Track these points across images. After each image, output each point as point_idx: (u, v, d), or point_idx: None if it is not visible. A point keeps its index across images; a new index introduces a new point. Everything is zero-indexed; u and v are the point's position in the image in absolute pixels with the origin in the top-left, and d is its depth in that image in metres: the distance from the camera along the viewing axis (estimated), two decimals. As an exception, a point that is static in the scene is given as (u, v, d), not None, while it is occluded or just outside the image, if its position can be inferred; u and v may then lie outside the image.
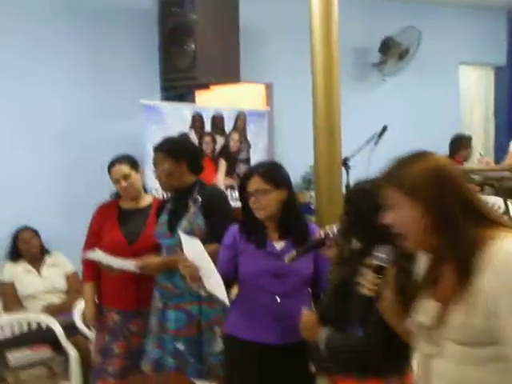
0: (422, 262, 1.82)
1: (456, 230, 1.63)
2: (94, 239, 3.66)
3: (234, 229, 2.93)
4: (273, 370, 2.77)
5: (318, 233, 2.52)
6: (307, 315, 2.41)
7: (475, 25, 7.82)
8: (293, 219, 2.84)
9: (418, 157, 1.72)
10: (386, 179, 1.74)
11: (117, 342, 3.56)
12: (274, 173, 2.83)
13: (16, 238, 4.84)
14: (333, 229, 2.47)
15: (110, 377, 3.53)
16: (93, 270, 3.62)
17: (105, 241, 3.60)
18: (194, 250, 2.73)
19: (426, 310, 1.73)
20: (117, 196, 3.75)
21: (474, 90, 8.35)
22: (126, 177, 3.60)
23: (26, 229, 4.88)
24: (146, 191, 3.83)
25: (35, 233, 4.88)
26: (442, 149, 6.84)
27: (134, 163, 3.66)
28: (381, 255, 1.85)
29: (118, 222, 3.66)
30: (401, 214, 1.70)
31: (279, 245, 2.82)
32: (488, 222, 1.65)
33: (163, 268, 3.29)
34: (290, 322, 2.71)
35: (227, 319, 2.98)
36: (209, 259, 2.68)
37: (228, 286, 2.83)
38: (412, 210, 1.67)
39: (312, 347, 2.39)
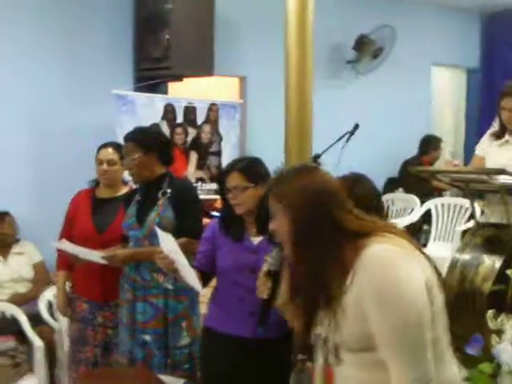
0: None
1: (317, 244, 1.72)
2: (68, 228, 3.66)
3: (214, 222, 2.95)
4: (248, 363, 2.78)
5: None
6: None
7: (450, 26, 7.89)
8: (270, 215, 2.85)
9: (300, 172, 1.84)
10: (270, 190, 1.85)
11: (87, 332, 3.56)
12: (253, 169, 2.83)
13: None
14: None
15: (83, 364, 3.54)
16: (66, 259, 3.61)
17: (76, 229, 3.60)
18: (167, 243, 2.74)
19: (321, 321, 1.79)
20: (95, 184, 3.73)
21: (446, 91, 8.43)
22: (110, 162, 3.59)
23: (5, 213, 4.82)
24: (125, 183, 3.81)
25: (11, 218, 4.83)
26: (411, 148, 6.92)
27: (121, 155, 3.63)
28: (270, 260, 1.94)
29: (91, 210, 3.65)
30: (279, 224, 1.81)
31: (256, 240, 2.83)
32: (363, 234, 1.72)
33: (130, 260, 3.28)
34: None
35: (206, 312, 3.00)
36: (181, 252, 2.69)
37: (207, 278, 2.86)
38: (286, 223, 1.77)
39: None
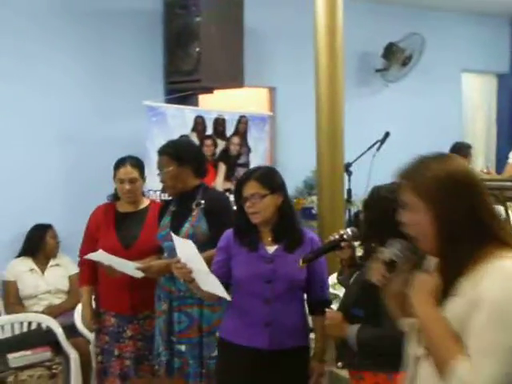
0: (432, 263, 1.80)
1: (457, 242, 1.61)
2: (90, 242, 3.64)
3: (228, 232, 2.94)
4: (263, 375, 2.77)
5: (334, 235, 2.59)
6: (332, 313, 2.53)
7: (478, 32, 7.83)
8: (287, 224, 2.85)
9: (440, 159, 1.69)
10: (404, 178, 1.71)
11: (116, 345, 3.57)
12: (270, 177, 2.84)
13: (35, 235, 4.84)
14: (347, 231, 2.55)
15: (113, 377, 3.55)
16: (89, 274, 3.62)
17: (100, 245, 3.55)
18: (187, 252, 2.74)
19: None
20: (114, 198, 3.73)
21: (477, 97, 8.36)
22: (132, 180, 3.58)
23: (48, 226, 4.88)
24: (143, 195, 3.82)
25: (54, 231, 4.89)
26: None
27: (142, 169, 3.64)
28: (394, 250, 1.85)
29: (114, 225, 3.64)
30: (413, 216, 1.68)
31: (272, 249, 2.82)
32: (494, 239, 1.62)
33: (165, 271, 3.28)
34: (281, 327, 2.73)
35: (222, 322, 3.00)
36: (202, 261, 2.69)
37: (225, 288, 2.83)
38: (424, 214, 1.65)
39: (339, 345, 2.51)
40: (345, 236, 2.54)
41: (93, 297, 3.71)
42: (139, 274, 3.32)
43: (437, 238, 1.64)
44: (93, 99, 5.49)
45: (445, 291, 1.63)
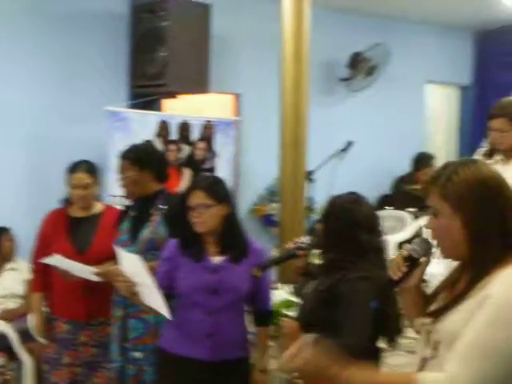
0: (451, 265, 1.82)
1: (485, 247, 1.63)
2: (43, 248, 3.59)
3: (172, 242, 2.92)
4: None
5: (290, 245, 2.62)
6: (289, 323, 2.50)
7: (443, 44, 7.94)
8: (232, 235, 2.85)
9: (468, 164, 1.69)
10: (432, 184, 1.71)
11: (66, 352, 3.52)
12: (216, 188, 2.84)
13: None
14: (303, 240, 2.60)
15: None
16: (42, 280, 3.58)
17: (53, 250, 3.49)
18: (132, 265, 2.72)
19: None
20: (66, 202, 3.68)
21: (440, 108, 8.47)
22: (85, 186, 3.55)
23: (4, 229, 4.82)
24: (97, 200, 3.77)
25: (11, 234, 4.81)
26: (405, 165, 6.94)
27: (95, 173, 3.61)
28: (415, 246, 1.85)
29: (67, 230, 3.60)
30: (441, 222, 1.69)
31: (217, 260, 2.82)
32: None
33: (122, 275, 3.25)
34: (223, 339, 2.73)
35: (163, 333, 2.97)
36: (148, 275, 2.67)
37: (167, 299, 2.79)
38: (452, 220, 1.65)
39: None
40: (301, 245, 2.58)
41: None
42: (96, 278, 3.29)
43: (465, 243, 1.65)
44: (57, 101, 5.44)
45: (462, 295, 1.64)
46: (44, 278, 3.53)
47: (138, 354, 3.22)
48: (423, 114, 8.03)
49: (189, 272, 2.80)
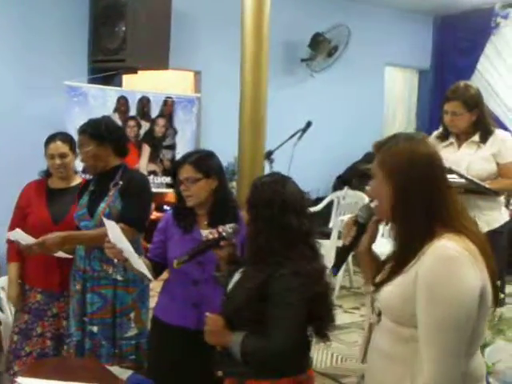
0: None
1: (408, 219, 1.75)
2: (20, 218, 3.60)
3: (168, 213, 2.98)
4: (190, 354, 2.81)
5: (212, 233, 2.53)
6: (213, 319, 2.38)
7: (403, 28, 8.03)
8: (222, 208, 2.88)
9: (410, 138, 1.81)
10: (375, 150, 1.83)
11: (40, 323, 3.53)
12: (204, 162, 2.86)
13: None
14: (227, 229, 2.50)
15: (28, 357, 3.49)
16: (17, 250, 3.56)
17: (31, 219, 3.55)
18: (114, 233, 2.75)
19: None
20: (46, 174, 3.70)
21: (399, 91, 8.58)
22: (62, 155, 3.56)
23: None
24: (75, 172, 3.79)
25: None
26: (363, 147, 7.03)
27: (72, 144, 3.61)
28: (359, 212, 1.97)
29: (46, 200, 3.61)
30: (376, 186, 1.82)
31: (206, 232, 2.85)
32: (444, 221, 1.74)
33: (61, 245, 3.20)
34: (208, 309, 2.75)
35: (157, 301, 3.02)
36: (127, 241, 2.71)
37: (160, 269, 2.89)
38: (385, 187, 1.78)
39: (219, 352, 2.39)
40: (224, 234, 2.50)
41: None
42: (38, 251, 3.26)
43: (393, 209, 1.78)
44: (17, 76, 5.38)
45: (398, 265, 1.77)
46: (19, 248, 3.51)
47: (95, 328, 3.23)
48: (382, 96, 8.12)
49: (177, 243, 2.84)
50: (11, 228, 3.57)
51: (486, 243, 1.76)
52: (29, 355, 3.51)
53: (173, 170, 2.97)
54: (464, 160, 3.84)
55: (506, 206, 6.97)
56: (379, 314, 1.82)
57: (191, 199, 2.82)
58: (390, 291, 1.76)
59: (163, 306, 2.95)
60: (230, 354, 2.30)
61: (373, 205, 1.90)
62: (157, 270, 2.88)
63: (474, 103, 3.76)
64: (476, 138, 3.82)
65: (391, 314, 1.77)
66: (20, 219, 3.60)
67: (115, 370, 2.92)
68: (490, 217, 3.74)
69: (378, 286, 1.82)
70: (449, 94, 3.86)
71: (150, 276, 2.78)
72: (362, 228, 1.96)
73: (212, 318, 2.37)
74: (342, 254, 2.06)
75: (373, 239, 1.98)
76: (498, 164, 3.78)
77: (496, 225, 3.77)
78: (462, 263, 1.66)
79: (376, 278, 1.89)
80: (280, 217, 2.29)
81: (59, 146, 3.56)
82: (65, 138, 3.62)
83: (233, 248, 2.56)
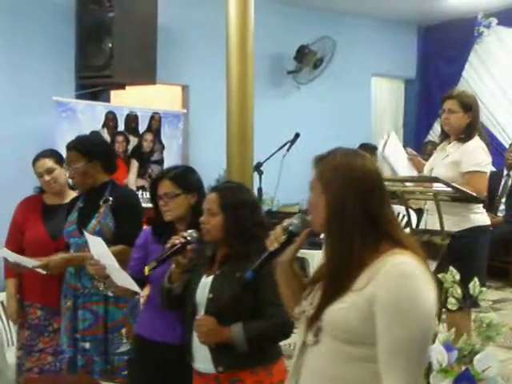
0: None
1: (347, 234, 1.71)
2: (16, 234, 3.62)
3: (146, 230, 2.96)
4: (172, 369, 2.78)
5: (177, 239, 2.55)
6: (206, 320, 2.42)
7: (388, 38, 8.10)
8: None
9: (348, 153, 1.80)
10: (317, 163, 1.81)
11: (41, 338, 3.54)
12: (183, 177, 2.87)
13: None
14: (192, 234, 2.54)
15: (29, 373, 3.51)
16: None
17: (28, 236, 3.56)
18: (98, 248, 2.75)
19: (312, 297, 1.81)
20: (41, 191, 3.71)
21: (385, 101, 8.63)
22: (49, 171, 3.57)
23: None
24: (71, 188, 3.79)
25: None
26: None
27: (58, 158, 3.62)
28: (294, 220, 1.93)
29: (42, 217, 3.62)
30: (314, 198, 1.79)
31: (173, 238, 2.86)
32: (388, 236, 1.72)
33: (63, 266, 3.26)
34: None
35: (138, 317, 3.02)
36: (112, 256, 2.71)
37: (141, 286, 2.85)
38: (321, 200, 1.76)
39: (214, 350, 2.42)
40: (189, 238, 2.53)
41: None
42: (43, 271, 3.29)
43: (328, 221, 1.75)
44: (3, 93, 5.38)
45: (338, 281, 1.71)
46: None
47: (87, 345, 3.23)
48: (369, 106, 8.17)
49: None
50: (7, 245, 3.58)
51: (425, 258, 1.74)
52: (29, 371, 3.53)
53: (152, 184, 2.96)
54: (432, 165, 3.95)
55: (495, 212, 7.07)
56: (316, 334, 1.75)
57: (169, 214, 2.80)
58: (339, 310, 1.69)
59: (144, 322, 2.91)
60: (229, 348, 2.36)
61: (309, 218, 1.87)
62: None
63: (470, 105, 3.92)
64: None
65: (340, 334, 1.70)
66: (17, 236, 3.61)
67: (108, 385, 2.93)
68: (451, 221, 3.75)
69: (322, 305, 1.74)
70: (448, 94, 4.03)
71: (137, 289, 2.76)
72: (291, 236, 1.91)
73: (204, 319, 2.42)
74: (265, 261, 1.96)
75: (297, 251, 1.93)
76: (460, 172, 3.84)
77: (456, 228, 3.79)
78: (423, 280, 1.64)
79: (300, 295, 1.85)
80: (248, 221, 2.43)
81: (44, 163, 3.58)
82: (48, 153, 3.64)
83: (195, 254, 2.56)
